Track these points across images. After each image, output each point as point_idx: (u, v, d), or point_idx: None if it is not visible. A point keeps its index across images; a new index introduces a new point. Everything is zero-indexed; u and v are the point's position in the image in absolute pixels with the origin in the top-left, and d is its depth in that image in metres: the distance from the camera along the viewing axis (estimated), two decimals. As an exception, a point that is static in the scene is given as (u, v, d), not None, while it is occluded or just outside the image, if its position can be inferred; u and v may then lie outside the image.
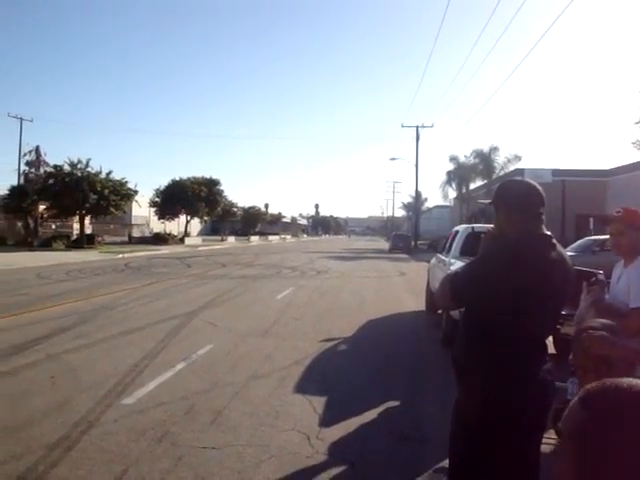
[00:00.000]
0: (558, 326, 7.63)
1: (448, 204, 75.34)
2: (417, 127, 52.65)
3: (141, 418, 5.14)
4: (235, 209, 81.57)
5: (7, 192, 40.46)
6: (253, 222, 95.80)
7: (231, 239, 71.31)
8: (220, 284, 17.60)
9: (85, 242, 39.45)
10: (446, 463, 4.46)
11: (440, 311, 10.51)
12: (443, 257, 11.20)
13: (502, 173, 49.21)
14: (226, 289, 16.11)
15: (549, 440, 4.89)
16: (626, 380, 0.97)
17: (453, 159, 55.67)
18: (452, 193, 61.21)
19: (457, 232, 10.98)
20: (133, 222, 63.86)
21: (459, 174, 55.41)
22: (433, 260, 13.13)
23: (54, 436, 4.62)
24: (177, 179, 60.04)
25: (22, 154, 42.93)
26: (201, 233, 76.13)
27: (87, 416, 5.12)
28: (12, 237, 40.21)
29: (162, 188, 59.16)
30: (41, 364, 7.00)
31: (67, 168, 39.46)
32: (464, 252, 9.74)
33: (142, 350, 7.82)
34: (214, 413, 5.35)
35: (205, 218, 64.83)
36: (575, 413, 0.96)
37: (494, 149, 49.65)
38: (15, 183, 41.67)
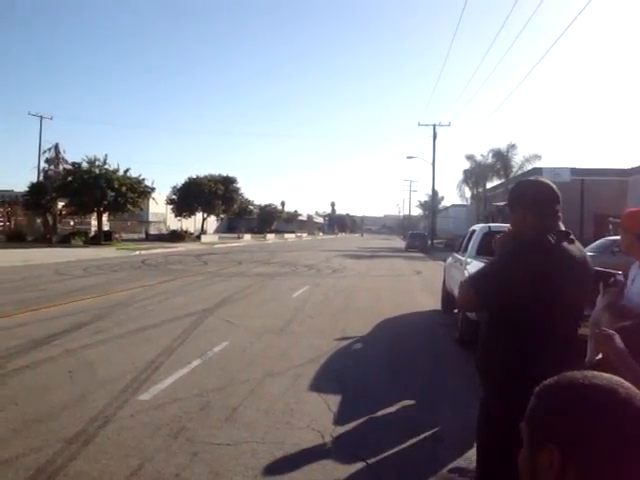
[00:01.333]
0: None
1: (465, 203, 74.95)
2: (434, 125, 52.47)
3: (157, 414, 5.18)
4: (251, 207, 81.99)
5: (27, 189, 40.98)
6: (269, 220, 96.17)
7: (247, 237, 71.52)
8: (236, 282, 17.67)
9: (103, 239, 39.83)
10: (460, 463, 4.47)
11: (456, 310, 10.47)
12: (460, 256, 11.15)
13: (520, 172, 48.81)
14: (242, 287, 16.18)
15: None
16: (584, 373, 1.04)
17: (470, 158, 55.34)
18: (469, 192, 60.88)
19: (474, 231, 10.93)
20: (150, 219, 64.33)
21: (476, 173, 55.05)
22: (449, 259, 13.09)
23: (72, 430, 4.67)
24: (194, 177, 60.38)
25: (42, 152, 43.53)
26: (217, 231, 76.49)
27: (104, 411, 5.17)
28: (31, 233, 40.75)
29: (179, 186, 59.56)
30: (59, 359, 7.09)
31: (85, 165, 39.89)
32: (481, 251, 9.70)
33: (158, 346, 7.88)
34: (229, 410, 5.38)
35: (221, 216, 65.25)
36: (531, 401, 1.08)
37: (512, 147, 49.19)
38: (35, 180, 42.18)
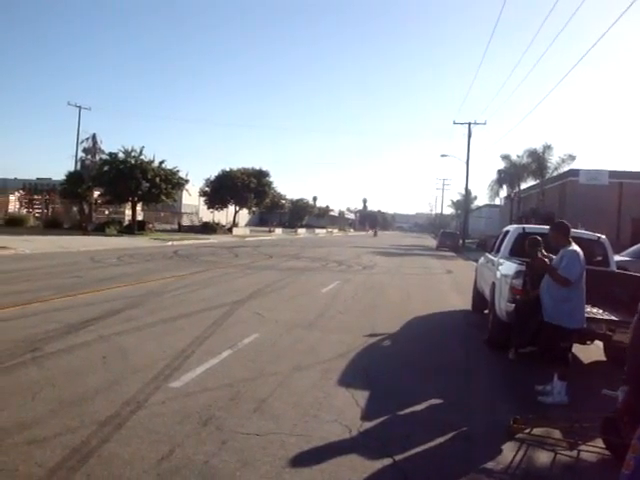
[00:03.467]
0: (609, 333, 7.47)
1: (498, 203, 74.01)
2: (469, 124, 51.93)
3: (187, 402, 5.26)
4: (283, 201, 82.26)
5: (64, 178, 41.87)
6: (301, 214, 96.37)
7: (278, 231, 71.86)
8: (267, 275, 17.79)
9: (136, 228, 40.47)
10: (488, 463, 4.45)
11: (487, 311, 10.38)
12: (492, 257, 11.04)
13: (555, 173, 48.00)
14: (273, 280, 16.28)
15: (598, 449, 4.81)
16: None
17: (505, 158, 54.57)
18: (502, 192, 60.08)
19: (507, 232, 10.81)
20: (183, 210, 65.10)
21: (510, 173, 54.28)
22: (481, 259, 12.97)
23: (105, 413, 4.79)
24: (227, 169, 60.85)
25: (79, 141, 44.39)
26: (249, 224, 77.00)
27: (136, 396, 5.29)
28: (68, 221, 41.67)
29: (212, 178, 60.06)
30: (94, 344, 7.25)
31: (121, 156, 40.50)
32: (514, 252, 9.59)
33: (189, 336, 8.00)
34: (258, 401, 5.44)
35: (253, 209, 65.56)
36: None
37: (548, 148, 48.32)
38: (72, 169, 43.05)
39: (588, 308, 7.43)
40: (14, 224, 37.73)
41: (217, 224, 55.61)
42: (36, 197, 51.65)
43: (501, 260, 9.62)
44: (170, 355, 6.87)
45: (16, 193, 53.31)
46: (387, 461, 4.32)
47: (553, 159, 48.00)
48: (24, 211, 48.40)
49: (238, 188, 58.17)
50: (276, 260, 24.91)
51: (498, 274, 9.18)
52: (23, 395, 5.13)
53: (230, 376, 6.20)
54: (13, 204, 50.06)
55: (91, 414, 4.76)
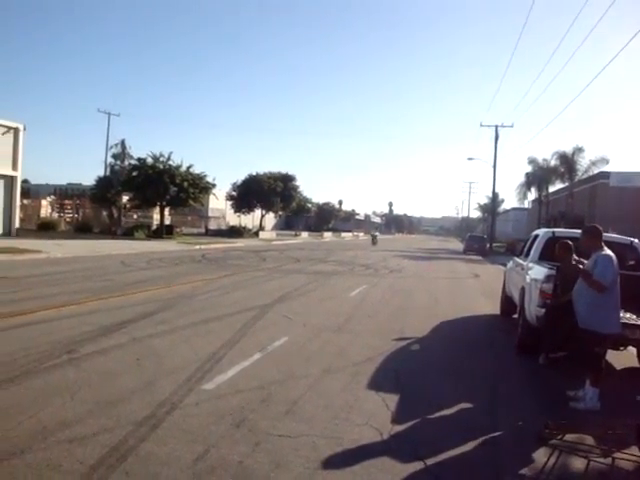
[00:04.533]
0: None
1: (526, 206, 73.19)
2: (496, 126, 51.57)
3: (220, 403, 5.35)
4: (309, 205, 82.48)
5: (94, 183, 42.65)
6: (327, 218, 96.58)
7: (304, 234, 72.02)
8: (294, 278, 17.88)
9: (164, 232, 41.01)
10: (521, 470, 4.44)
11: (516, 316, 10.31)
12: (521, 261, 10.96)
13: (585, 176, 47.33)
14: (300, 284, 16.37)
15: (632, 456, 4.75)
16: None
17: (532, 161, 54.01)
18: (530, 195, 59.42)
19: (537, 236, 10.72)
20: (210, 215, 65.63)
21: (538, 176, 53.69)
22: (510, 263, 12.88)
23: (141, 414, 4.90)
24: (253, 174, 61.32)
25: (109, 147, 45.20)
26: (275, 227, 77.38)
27: (170, 398, 5.39)
28: (98, 225, 42.46)
29: (239, 182, 60.54)
30: (127, 346, 7.40)
31: (150, 161, 41.09)
32: (544, 257, 9.51)
33: (220, 339, 8.11)
34: (289, 403, 5.51)
35: (280, 213, 65.92)
36: None
37: (578, 150, 47.64)
38: (102, 174, 43.85)
39: (621, 313, 7.34)
40: (46, 228, 38.53)
41: (244, 228, 55.99)
42: (67, 202, 52.85)
43: (531, 264, 9.56)
44: (202, 357, 6.98)
45: (48, 198, 54.47)
46: (418, 464, 4.34)
47: (584, 162, 47.35)
48: (55, 215, 49.38)
49: (264, 192, 58.57)
50: (303, 264, 25.01)
51: (528, 278, 9.12)
52: (62, 395, 5.28)
53: (261, 378, 6.28)
54: (45, 209, 51.08)
55: (127, 414, 4.87)
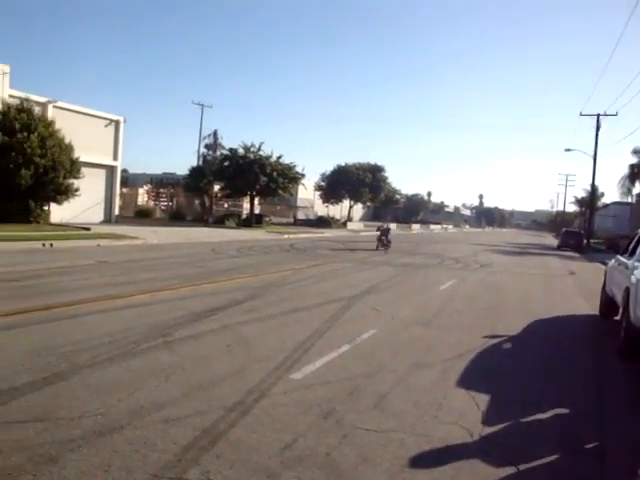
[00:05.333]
0: None
1: (629, 201, 69.09)
2: (598, 115, 48.63)
3: (308, 394, 5.37)
4: (398, 196, 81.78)
5: (187, 173, 44.22)
6: (415, 210, 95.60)
7: (392, 226, 71.45)
8: (383, 270, 17.77)
9: (254, 221, 41.96)
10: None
11: (618, 318, 9.71)
12: (625, 259, 10.30)
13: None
14: (388, 276, 16.25)
15: None
16: None
17: (638, 152, 50.84)
18: (635, 189, 56.03)
19: (644, 233, 10.04)
20: (298, 204, 66.48)
21: (644, 169, 50.54)
22: (612, 262, 12.15)
23: (231, 400, 5.00)
24: (342, 164, 61.48)
25: (202, 138, 46.60)
26: (363, 218, 77.33)
27: (259, 385, 5.47)
28: (190, 213, 44.14)
29: (327, 173, 60.91)
30: (218, 332, 7.59)
31: (241, 151, 42.04)
32: (651, 255, 8.89)
33: (308, 329, 8.16)
34: (377, 397, 5.45)
35: (368, 204, 65.78)
36: None
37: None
38: (195, 164, 45.34)
39: None
40: (143, 215, 40.59)
41: (332, 218, 56.34)
42: (162, 191, 55.18)
43: (637, 264, 8.95)
44: (290, 347, 7.04)
45: (144, 187, 57.09)
46: (511, 470, 4.14)
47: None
48: (151, 204, 51.74)
49: (353, 183, 58.63)
50: (391, 256, 24.80)
51: (633, 279, 8.54)
52: (157, 376, 5.48)
53: (349, 370, 6.26)
54: (142, 197, 53.59)
55: (218, 399, 4.98)
